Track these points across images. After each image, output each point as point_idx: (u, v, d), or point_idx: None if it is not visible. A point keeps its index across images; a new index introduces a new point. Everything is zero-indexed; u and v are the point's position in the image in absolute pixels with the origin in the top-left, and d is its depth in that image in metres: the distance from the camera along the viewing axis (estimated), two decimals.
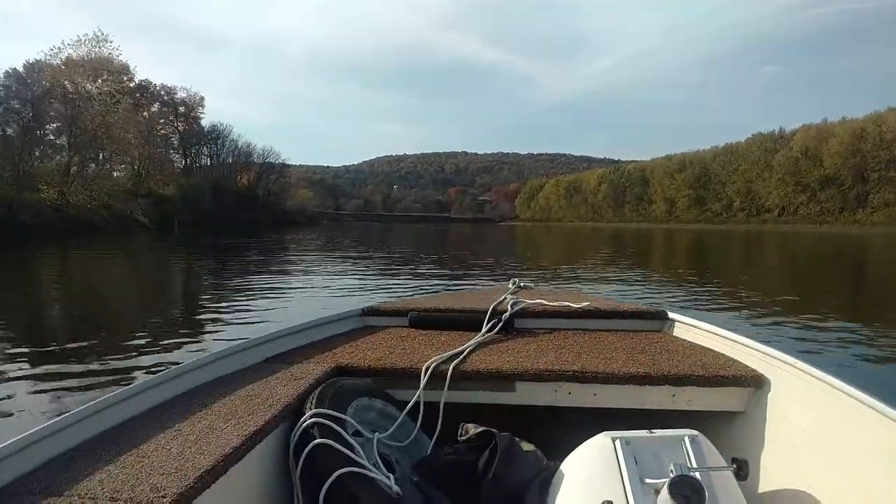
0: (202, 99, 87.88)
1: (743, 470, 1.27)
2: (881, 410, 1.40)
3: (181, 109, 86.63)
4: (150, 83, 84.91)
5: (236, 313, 8.14)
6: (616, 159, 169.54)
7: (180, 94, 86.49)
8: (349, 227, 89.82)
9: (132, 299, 11.01)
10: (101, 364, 5.25)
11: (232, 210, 74.41)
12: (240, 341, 2.09)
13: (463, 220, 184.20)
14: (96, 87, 78.32)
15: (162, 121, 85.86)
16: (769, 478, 1.64)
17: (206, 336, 6.66)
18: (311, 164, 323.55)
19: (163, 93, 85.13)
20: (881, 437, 1.37)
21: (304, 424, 1.56)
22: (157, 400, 1.65)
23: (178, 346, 6.04)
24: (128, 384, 1.64)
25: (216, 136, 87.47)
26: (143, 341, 6.34)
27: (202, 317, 8.43)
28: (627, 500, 1.23)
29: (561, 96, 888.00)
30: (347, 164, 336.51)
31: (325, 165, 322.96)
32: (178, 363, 1.83)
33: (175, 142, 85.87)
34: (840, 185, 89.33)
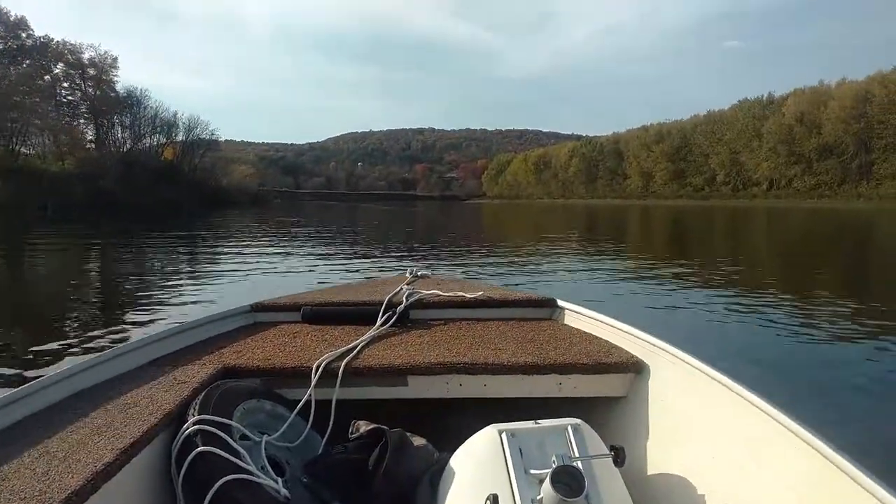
0: (115, 60, 73.44)
1: (620, 457, 1.29)
2: (746, 397, 1.46)
3: (91, 72, 71.90)
4: (51, 40, 70.17)
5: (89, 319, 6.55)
6: (584, 135, 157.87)
7: (88, 54, 71.62)
8: (301, 206, 78.93)
9: None
10: None
11: (147, 189, 60.64)
12: (118, 345, 1.88)
13: (429, 197, 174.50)
14: None
15: (66, 84, 71.24)
16: (648, 462, 1.65)
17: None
18: (272, 141, 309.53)
19: (66, 52, 70.27)
20: (747, 423, 1.42)
21: (185, 432, 1.45)
22: (21, 415, 1.47)
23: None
24: None
25: (132, 103, 72.79)
26: None
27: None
28: (512, 491, 1.24)
29: (529, 71, 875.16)
30: (312, 141, 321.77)
31: (289, 143, 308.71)
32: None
33: (84, 109, 71.28)
34: (840, 154, 78.82)
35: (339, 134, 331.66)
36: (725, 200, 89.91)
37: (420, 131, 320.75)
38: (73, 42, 71.33)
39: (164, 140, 76.66)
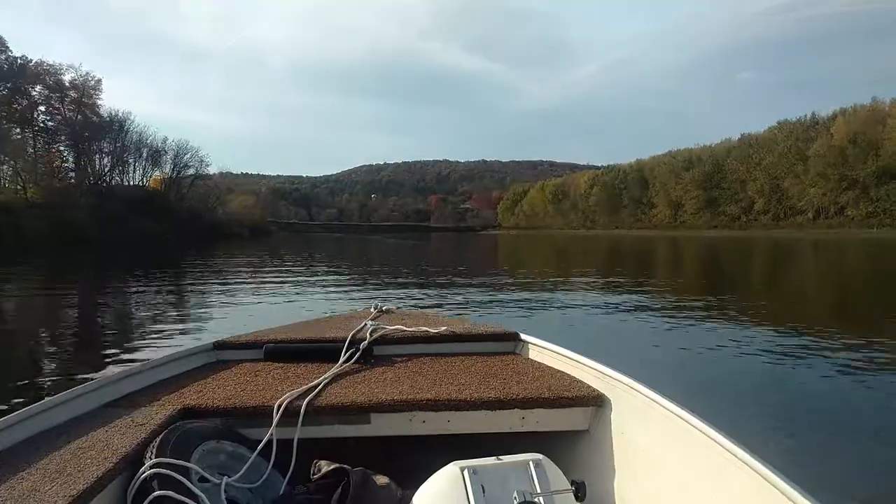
0: (99, 82, 65.67)
1: (581, 492, 1.29)
2: (702, 430, 1.46)
3: (72, 94, 64.12)
4: (28, 60, 62.59)
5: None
6: (600, 166, 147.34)
7: (69, 76, 63.88)
8: (310, 238, 72.32)
9: None
10: None
11: (124, 221, 52.25)
12: (74, 388, 1.79)
13: (443, 228, 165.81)
14: None
15: (42, 108, 63.43)
16: (608, 496, 1.66)
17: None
18: (288, 173, 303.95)
19: (44, 73, 62.60)
20: (704, 456, 1.42)
21: (141, 476, 1.41)
22: None
23: None
24: None
25: (115, 127, 64.79)
26: None
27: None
28: None
29: (543, 104, 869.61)
30: (327, 173, 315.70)
31: (304, 175, 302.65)
32: None
33: (62, 135, 63.35)
34: None
35: (353, 166, 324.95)
36: (767, 230, 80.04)
37: (434, 163, 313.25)
38: (51, 62, 63.57)
39: (150, 168, 68.46)
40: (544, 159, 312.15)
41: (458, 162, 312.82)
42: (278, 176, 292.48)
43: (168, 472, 1.41)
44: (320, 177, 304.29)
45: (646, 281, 15.78)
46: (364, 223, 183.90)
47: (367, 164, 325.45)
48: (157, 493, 1.35)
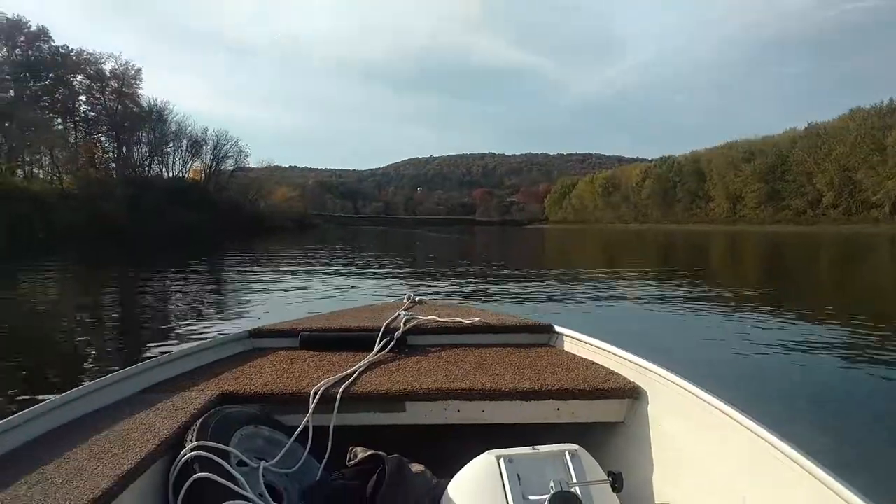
0: (139, 71, 64.38)
1: (618, 482, 1.28)
2: (741, 422, 1.44)
3: (112, 84, 62.96)
4: (70, 49, 61.65)
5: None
6: (649, 159, 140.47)
7: (109, 65, 62.66)
8: (353, 232, 70.66)
9: None
10: None
11: (162, 213, 50.58)
12: (116, 372, 1.86)
13: (488, 222, 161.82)
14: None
15: (83, 98, 62.43)
16: (645, 488, 1.65)
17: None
18: (335, 167, 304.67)
19: (84, 62, 61.57)
20: (743, 448, 1.40)
21: (183, 458, 1.44)
22: (19, 442, 1.45)
23: None
24: None
25: (156, 117, 63.34)
26: None
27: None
28: None
29: (589, 97, 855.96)
30: (373, 167, 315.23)
31: (351, 169, 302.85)
32: None
33: (104, 125, 62.27)
34: None
35: (400, 160, 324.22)
36: (837, 226, 73.86)
37: (481, 156, 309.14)
38: (91, 51, 62.52)
39: (189, 158, 66.88)
40: (592, 152, 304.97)
41: (504, 155, 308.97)
42: (326, 169, 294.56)
43: (209, 455, 1.43)
44: (366, 170, 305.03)
45: (701, 278, 14.77)
46: (409, 216, 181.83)
47: (414, 157, 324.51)
48: (199, 475, 1.37)
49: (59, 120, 60.25)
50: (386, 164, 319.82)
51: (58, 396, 1.61)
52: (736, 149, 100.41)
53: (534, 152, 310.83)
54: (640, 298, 10.32)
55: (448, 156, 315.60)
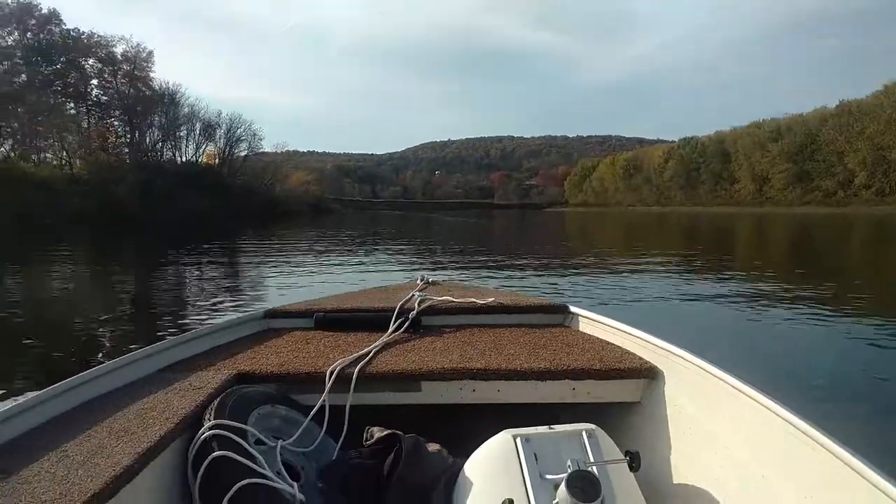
0: (151, 54, 63.29)
1: (635, 461, 1.28)
2: (759, 401, 1.42)
3: (125, 67, 61.89)
4: (81, 32, 60.57)
5: None
6: (670, 140, 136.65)
7: (121, 47, 61.52)
8: (369, 216, 68.95)
9: None
10: None
11: (174, 199, 49.55)
12: (134, 352, 1.87)
13: (507, 206, 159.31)
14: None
15: (94, 81, 61.40)
16: (663, 467, 1.65)
17: None
18: (353, 151, 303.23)
19: (93, 45, 60.47)
20: (762, 428, 1.39)
21: (202, 437, 1.45)
22: (40, 420, 1.47)
23: None
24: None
25: (168, 100, 62.16)
26: None
27: None
28: (528, 496, 1.23)
29: (610, 77, 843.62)
30: (391, 151, 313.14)
31: (369, 153, 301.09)
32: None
33: (116, 110, 61.30)
34: None
35: (418, 144, 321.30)
36: (870, 207, 70.91)
37: (499, 139, 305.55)
38: (102, 34, 61.36)
39: (203, 143, 65.68)
40: (612, 134, 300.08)
41: (522, 138, 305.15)
42: (344, 154, 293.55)
43: (227, 433, 1.44)
44: (384, 154, 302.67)
45: (726, 261, 14.45)
46: (427, 200, 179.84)
47: (432, 140, 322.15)
48: (217, 453, 1.38)
49: (72, 104, 59.46)
50: (404, 148, 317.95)
51: (77, 376, 1.62)
52: (763, 128, 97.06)
53: (553, 135, 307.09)
54: (664, 283, 9.92)
55: (466, 139, 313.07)
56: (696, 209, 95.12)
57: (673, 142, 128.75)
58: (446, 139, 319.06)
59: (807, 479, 1.21)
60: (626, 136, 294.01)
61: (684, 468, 1.58)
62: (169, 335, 2.27)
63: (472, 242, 23.05)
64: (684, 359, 1.75)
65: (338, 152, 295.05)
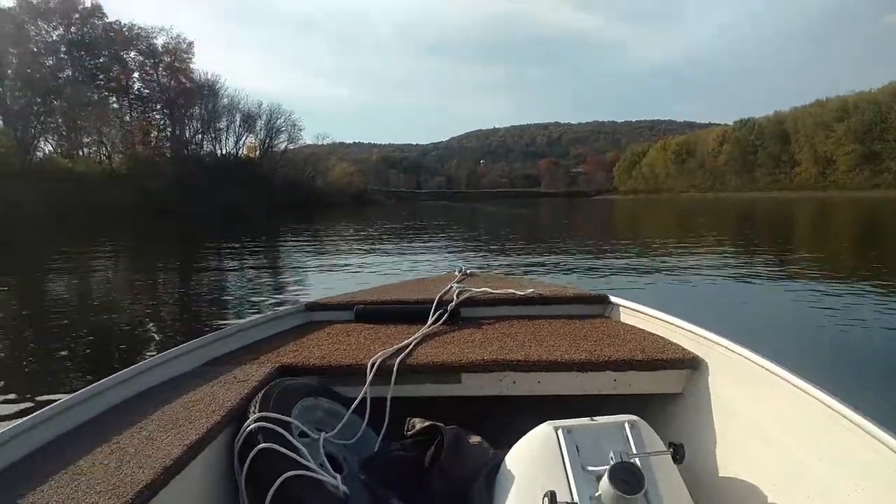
0: (191, 45, 62.67)
1: (679, 453, 1.25)
2: (807, 390, 1.40)
3: (166, 59, 61.53)
4: (122, 25, 60.35)
5: None
6: (723, 124, 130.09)
7: (161, 39, 61.15)
8: (413, 208, 68.15)
9: None
10: None
11: (213, 192, 48.82)
12: (179, 346, 1.91)
13: (554, 194, 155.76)
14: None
15: (136, 74, 61.22)
16: (707, 459, 1.62)
17: None
18: (398, 142, 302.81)
19: (133, 37, 60.16)
20: (809, 418, 1.36)
21: (247, 429, 1.47)
22: (92, 413, 1.52)
23: None
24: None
25: (207, 91, 61.53)
26: None
27: None
28: (570, 488, 1.21)
29: (658, 61, 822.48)
30: (436, 141, 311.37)
31: (413, 143, 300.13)
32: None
33: (157, 103, 61.03)
34: None
35: (462, 133, 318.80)
36: None
37: (545, 126, 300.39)
38: (141, 25, 60.98)
39: (244, 134, 64.87)
40: (661, 119, 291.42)
41: (569, 124, 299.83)
42: (390, 144, 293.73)
43: (272, 425, 1.46)
44: (429, 144, 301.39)
45: (789, 251, 13.85)
46: (472, 190, 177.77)
47: (477, 129, 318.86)
48: (263, 445, 1.40)
49: (114, 98, 59.43)
50: (448, 138, 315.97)
51: (125, 370, 1.65)
52: (826, 107, 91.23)
53: (600, 120, 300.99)
54: (722, 276, 9.44)
55: (512, 126, 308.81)
56: (754, 194, 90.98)
57: (727, 125, 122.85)
58: (491, 127, 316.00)
59: (856, 468, 1.18)
60: (677, 120, 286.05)
61: (729, 460, 1.55)
62: (209, 331, 2.06)
63: (514, 234, 21.89)
64: (728, 348, 1.71)
65: (383, 143, 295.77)
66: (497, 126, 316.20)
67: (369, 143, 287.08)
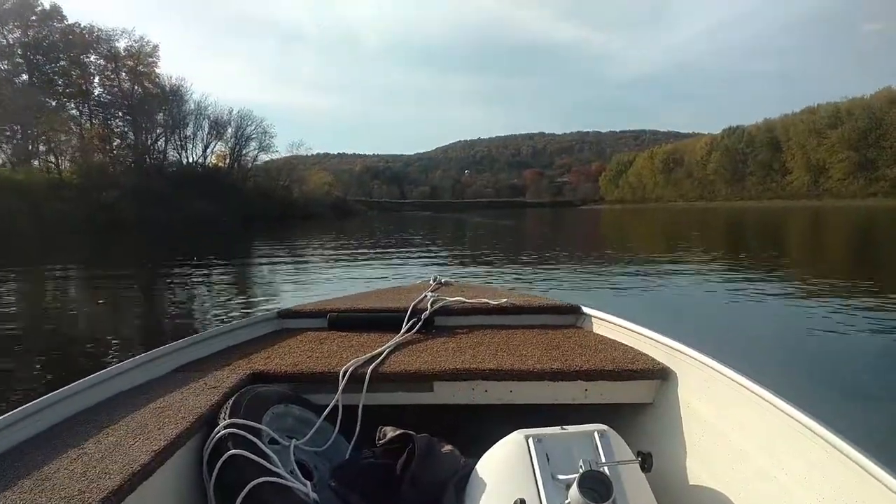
0: (156, 48, 58.37)
1: (647, 462, 1.27)
2: (773, 402, 1.41)
3: (128, 63, 57.17)
4: (78, 26, 55.92)
5: None
6: (707, 133, 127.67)
7: (123, 42, 56.80)
8: (395, 219, 64.97)
9: None
10: None
11: (175, 203, 44.63)
12: (149, 352, 1.89)
13: (539, 204, 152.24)
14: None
15: (97, 79, 56.81)
16: (675, 468, 1.64)
17: None
18: (382, 153, 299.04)
19: (93, 40, 55.71)
20: (775, 430, 1.38)
21: (217, 435, 1.46)
22: (58, 418, 1.49)
23: None
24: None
25: (171, 97, 57.26)
26: None
27: None
28: (540, 496, 1.22)
29: (641, 70, 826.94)
30: (420, 151, 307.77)
31: (398, 154, 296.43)
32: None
33: (119, 109, 56.56)
34: None
35: (447, 143, 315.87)
36: None
37: (530, 136, 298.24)
38: (102, 27, 56.57)
39: (213, 142, 60.58)
40: (646, 129, 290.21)
41: (553, 135, 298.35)
42: (374, 155, 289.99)
43: (242, 432, 1.45)
44: (413, 155, 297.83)
45: (784, 266, 12.93)
46: (456, 200, 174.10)
47: (462, 139, 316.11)
48: (232, 451, 1.38)
49: (73, 105, 55.01)
50: (433, 148, 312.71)
51: (94, 375, 1.62)
52: (818, 114, 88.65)
53: (584, 130, 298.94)
54: (710, 288, 9.34)
55: (496, 137, 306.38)
56: (745, 203, 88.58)
57: (711, 134, 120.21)
58: (476, 138, 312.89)
59: (821, 481, 1.20)
60: (661, 129, 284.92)
61: (697, 470, 1.56)
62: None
63: (497, 247, 20.59)
64: (697, 360, 1.72)
65: (368, 154, 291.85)
66: (482, 136, 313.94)
67: (353, 154, 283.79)
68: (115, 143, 55.26)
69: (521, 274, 11.19)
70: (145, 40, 57.96)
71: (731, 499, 1.40)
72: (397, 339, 2.16)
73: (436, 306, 2.45)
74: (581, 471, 1.17)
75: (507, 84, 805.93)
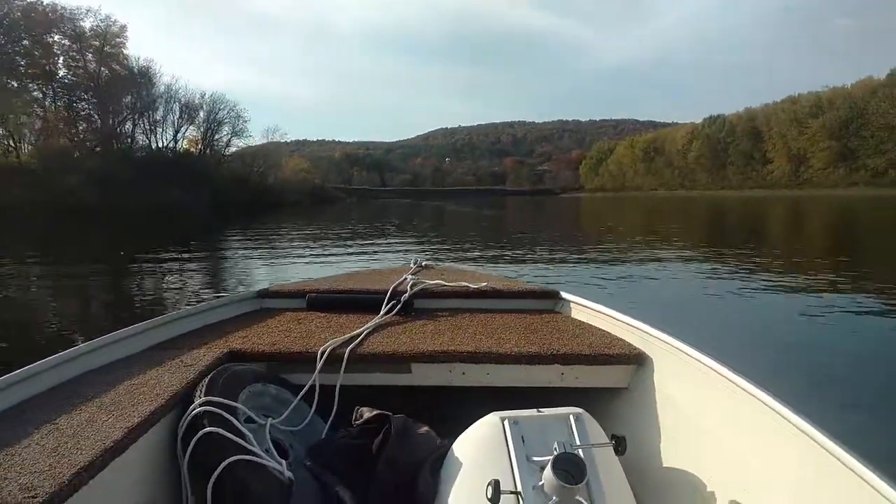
0: (123, 28, 55.61)
1: (621, 446, 1.30)
2: (745, 388, 1.42)
3: (95, 43, 54.46)
4: (41, 3, 53.00)
5: None
6: (684, 123, 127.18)
7: (88, 22, 54.01)
8: (373, 206, 64.12)
9: None
10: None
11: (141, 189, 42.55)
12: (125, 328, 1.86)
13: (520, 192, 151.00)
14: None
15: (61, 59, 54.06)
16: (648, 452, 1.65)
17: None
18: (362, 140, 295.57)
19: (55, 18, 52.86)
20: (746, 415, 1.40)
21: (192, 413, 1.45)
22: (31, 392, 1.47)
23: None
24: None
25: (141, 79, 54.70)
26: None
27: None
28: (514, 477, 1.23)
29: (620, 60, 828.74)
30: (401, 139, 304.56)
31: (378, 141, 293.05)
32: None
33: (85, 92, 53.91)
34: None
35: (428, 131, 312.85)
36: None
37: (510, 124, 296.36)
38: (65, 6, 53.75)
39: (185, 127, 58.13)
40: (625, 118, 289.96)
41: (534, 123, 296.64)
42: (355, 142, 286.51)
43: (217, 410, 1.43)
44: (394, 142, 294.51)
45: (762, 252, 13.21)
46: (437, 188, 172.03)
47: (443, 127, 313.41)
48: (207, 429, 1.37)
49: (36, 87, 52.28)
50: (414, 136, 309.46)
51: (69, 350, 1.60)
52: (800, 103, 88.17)
53: (564, 119, 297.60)
54: (690, 278, 9.40)
55: (477, 125, 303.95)
56: (725, 193, 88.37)
57: (690, 123, 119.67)
58: (457, 126, 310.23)
59: (790, 466, 1.23)
60: (640, 119, 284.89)
61: (670, 453, 1.59)
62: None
63: (479, 237, 20.13)
64: (672, 345, 1.74)
65: (348, 140, 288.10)
66: (462, 124, 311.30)
67: (333, 141, 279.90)
68: (80, 127, 52.79)
69: (499, 257, 11.07)
70: (112, 20, 55.33)
71: (703, 481, 1.41)
72: (376, 320, 2.14)
73: (415, 289, 2.42)
74: (556, 453, 1.19)
75: (487, 73, 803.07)
